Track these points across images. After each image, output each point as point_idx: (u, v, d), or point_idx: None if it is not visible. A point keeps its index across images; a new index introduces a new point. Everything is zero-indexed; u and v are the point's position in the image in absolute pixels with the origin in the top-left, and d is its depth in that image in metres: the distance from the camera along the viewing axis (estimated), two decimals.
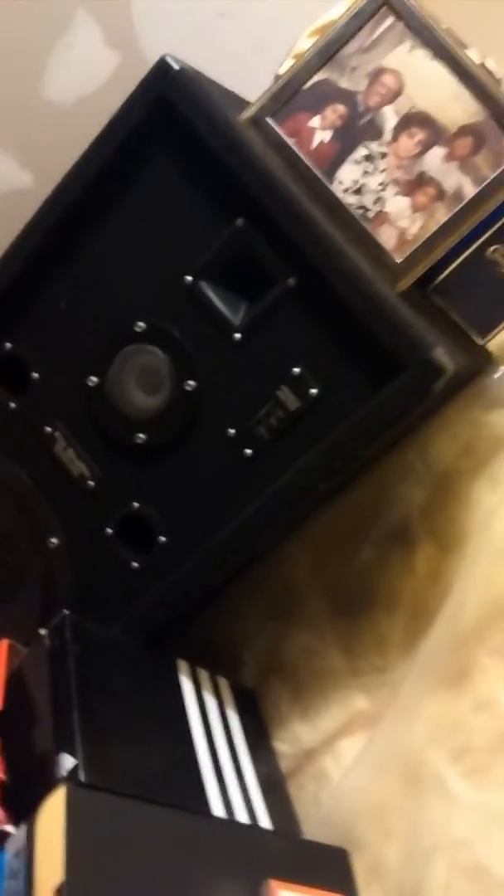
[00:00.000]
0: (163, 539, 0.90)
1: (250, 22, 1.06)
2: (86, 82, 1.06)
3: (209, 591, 0.94)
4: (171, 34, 1.06)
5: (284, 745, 0.98)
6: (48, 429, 0.93)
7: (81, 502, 0.93)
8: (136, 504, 0.91)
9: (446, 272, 0.93)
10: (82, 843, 0.67)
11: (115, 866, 0.68)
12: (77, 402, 0.91)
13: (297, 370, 0.83)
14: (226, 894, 0.71)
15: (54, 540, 0.94)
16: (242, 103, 0.88)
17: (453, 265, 0.93)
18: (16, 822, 0.71)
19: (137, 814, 0.73)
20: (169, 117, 0.83)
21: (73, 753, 0.74)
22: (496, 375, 1.01)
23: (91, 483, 0.92)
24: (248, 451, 0.86)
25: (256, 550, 0.93)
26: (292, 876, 0.71)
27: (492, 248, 0.92)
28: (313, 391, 0.83)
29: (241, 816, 0.83)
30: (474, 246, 0.92)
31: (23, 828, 0.69)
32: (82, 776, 0.73)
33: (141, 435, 0.89)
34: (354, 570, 1.01)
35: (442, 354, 0.77)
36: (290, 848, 0.82)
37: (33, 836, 0.68)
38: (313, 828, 0.89)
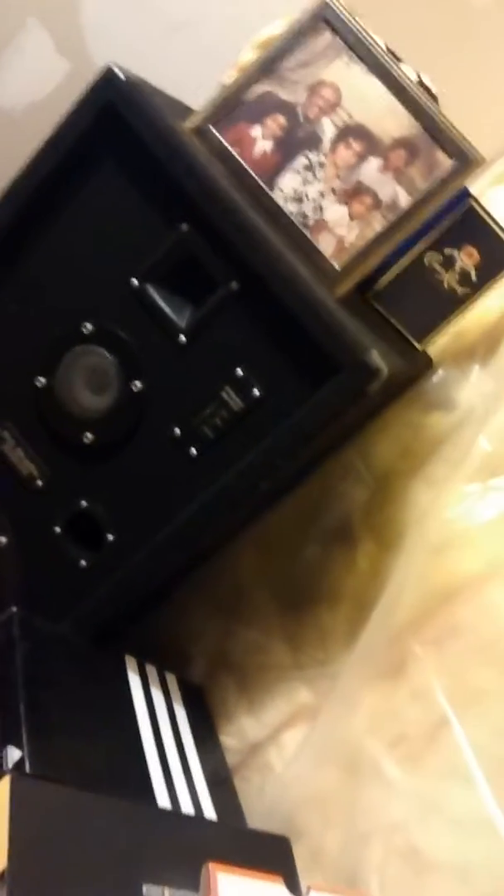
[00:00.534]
0: (111, 537, 0.92)
1: (198, 33, 1.08)
2: (35, 89, 1.07)
3: (157, 589, 0.95)
4: (121, 43, 1.08)
5: (231, 739, 1.00)
6: None
7: (30, 501, 0.94)
8: (84, 502, 0.92)
9: (385, 279, 0.96)
10: (26, 832, 0.67)
11: (60, 855, 0.69)
12: (26, 403, 0.92)
13: (240, 372, 0.85)
14: (169, 880, 0.72)
15: (3, 539, 0.95)
16: (188, 112, 0.90)
17: (392, 272, 0.96)
18: None
19: (82, 804, 0.74)
20: (114, 125, 0.84)
21: (19, 746, 0.75)
22: (434, 379, 1.04)
23: (39, 482, 0.93)
24: (193, 450, 0.88)
25: (202, 547, 0.94)
26: (234, 862, 0.73)
27: (430, 255, 0.96)
28: (256, 392, 0.85)
29: (187, 808, 0.85)
30: (412, 253, 0.95)
31: None
32: (28, 767, 0.74)
33: (89, 434, 0.91)
34: (299, 567, 1.03)
35: (377, 357, 0.80)
36: (232, 836, 0.84)
37: None
38: (258, 818, 0.91)
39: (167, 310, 0.87)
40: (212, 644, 1.07)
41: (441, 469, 0.96)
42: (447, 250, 0.95)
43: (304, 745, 0.92)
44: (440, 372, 1.04)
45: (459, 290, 0.97)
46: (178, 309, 0.87)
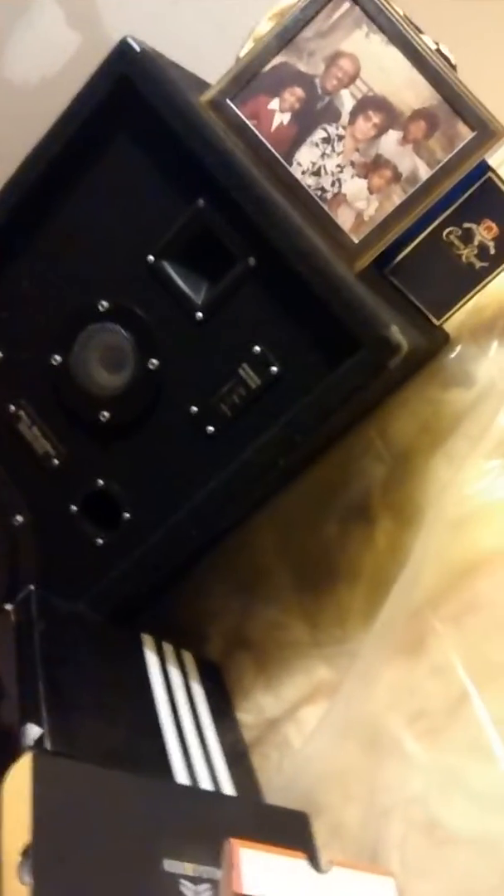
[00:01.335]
0: (127, 515, 0.91)
1: (212, 4, 1.07)
2: (47, 63, 1.06)
3: (174, 567, 0.94)
4: (134, 15, 1.06)
5: (248, 716, 1.00)
6: (12, 407, 0.94)
7: (46, 480, 0.93)
8: (100, 481, 0.92)
9: (403, 254, 0.95)
10: (49, 808, 0.68)
11: (81, 830, 0.69)
12: (41, 381, 0.92)
13: (257, 348, 0.84)
14: (190, 856, 0.72)
15: (19, 518, 0.95)
16: (203, 86, 0.89)
17: (410, 247, 0.94)
18: None
19: (103, 781, 0.74)
20: (130, 98, 0.83)
21: (39, 723, 0.75)
22: (453, 355, 1.03)
23: (56, 461, 0.93)
24: (211, 428, 0.87)
25: (220, 525, 0.93)
26: (254, 837, 0.73)
27: (448, 230, 0.94)
28: (273, 369, 0.84)
29: (205, 784, 0.85)
30: (430, 228, 0.94)
31: None
32: (48, 744, 0.74)
33: (105, 413, 0.90)
34: (317, 544, 1.03)
35: (397, 332, 0.79)
36: (251, 812, 0.84)
37: (1, 802, 0.69)
38: (276, 795, 0.91)
39: (183, 286, 0.86)
40: (229, 622, 1.06)
41: (460, 445, 0.96)
42: (465, 224, 0.94)
43: (324, 722, 0.92)
44: (458, 347, 1.03)
45: (478, 264, 0.95)
46: (195, 285, 0.86)
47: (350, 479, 1.03)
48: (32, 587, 0.90)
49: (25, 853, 0.64)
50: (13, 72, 1.08)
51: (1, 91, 1.09)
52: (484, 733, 0.81)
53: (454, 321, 1.02)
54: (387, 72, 0.81)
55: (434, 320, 0.99)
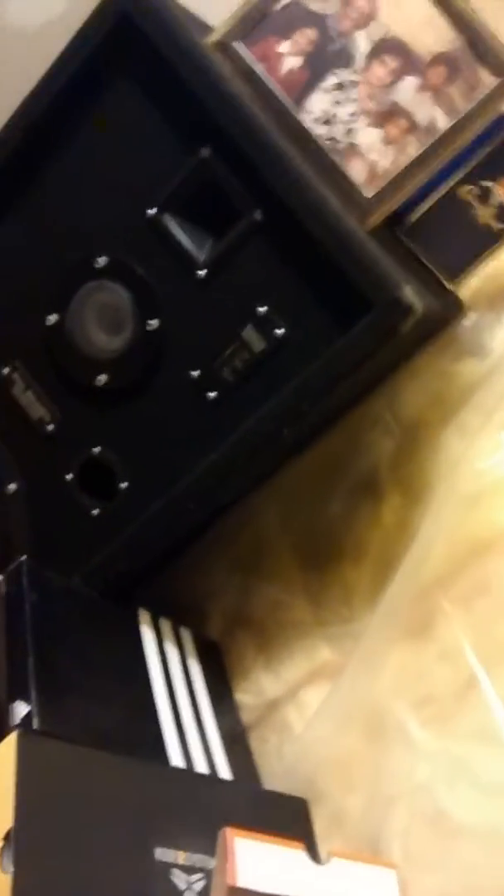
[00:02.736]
0: (124, 485, 0.88)
1: None
2: (48, 5, 1.01)
3: (173, 541, 0.91)
4: None
5: (248, 697, 0.98)
6: (6, 370, 0.91)
7: (40, 447, 0.90)
8: (97, 449, 0.89)
9: (417, 213, 0.91)
10: (34, 791, 0.66)
11: (68, 816, 0.67)
12: (35, 343, 0.88)
13: (262, 309, 0.80)
14: (183, 844, 0.70)
15: (12, 486, 0.92)
16: (207, 29, 0.85)
17: (424, 206, 0.90)
18: None
19: (92, 763, 0.72)
20: (131, 39, 0.79)
21: (27, 701, 0.73)
22: (466, 324, 0.99)
23: (50, 427, 0.90)
24: (212, 394, 0.84)
25: (222, 498, 0.90)
26: (251, 824, 0.70)
27: (465, 189, 0.90)
28: (279, 331, 0.80)
29: (201, 768, 0.82)
30: (447, 185, 0.89)
31: None
32: (36, 723, 0.71)
33: (102, 377, 0.86)
34: (322, 521, 1.00)
35: (411, 293, 0.75)
36: (248, 798, 0.82)
37: None
38: (276, 780, 0.89)
39: (186, 242, 0.82)
40: (230, 601, 1.04)
41: (474, 418, 0.92)
42: (484, 182, 0.89)
43: (326, 705, 0.89)
44: (473, 316, 0.99)
45: (496, 226, 0.91)
46: (198, 241, 0.83)
47: (357, 454, 1.01)
48: (24, 558, 0.87)
49: (7, 838, 0.61)
50: (14, 16, 1.04)
51: (1, 37, 1.04)
52: (493, 720, 0.78)
53: (469, 287, 0.99)
54: (405, 12, 0.76)
55: (448, 284, 0.95)
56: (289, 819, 0.78)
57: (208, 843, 0.69)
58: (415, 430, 0.98)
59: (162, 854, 0.68)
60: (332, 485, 1.00)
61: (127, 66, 0.81)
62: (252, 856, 0.65)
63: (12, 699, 0.73)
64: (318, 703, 0.92)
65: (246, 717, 0.96)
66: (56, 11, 0.99)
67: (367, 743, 0.85)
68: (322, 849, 0.75)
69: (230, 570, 1.04)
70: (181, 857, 0.68)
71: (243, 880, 0.63)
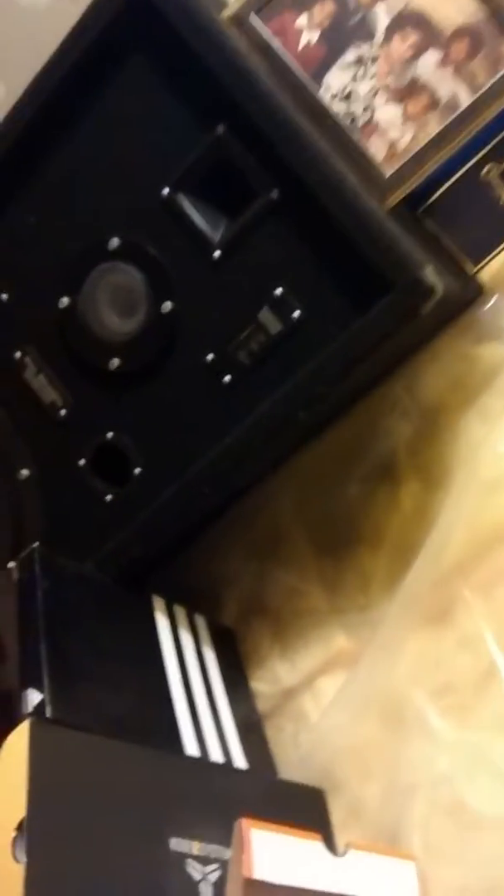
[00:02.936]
0: (138, 470, 0.87)
1: None
2: None
3: (188, 527, 0.90)
4: None
5: (263, 685, 0.97)
6: (18, 353, 0.89)
7: (53, 432, 0.89)
8: (110, 434, 0.87)
9: (438, 193, 0.88)
10: (47, 781, 0.65)
11: (82, 804, 0.66)
12: (48, 326, 0.87)
13: (279, 290, 0.79)
14: (198, 834, 0.69)
15: (25, 471, 0.91)
16: (221, 4, 0.82)
17: (445, 186, 0.88)
18: None
19: (106, 752, 0.71)
20: (145, 14, 0.77)
21: (39, 689, 0.72)
22: (487, 306, 0.97)
23: (63, 411, 0.89)
24: (228, 378, 0.82)
25: (237, 483, 0.89)
26: (267, 815, 0.69)
27: (486, 168, 0.87)
28: (296, 313, 0.79)
29: (216, 757, 0.81)
30: (468, 165, 0.87)
31: None
32: (49, 712, 0.70)
33: (115, 360, 0.85)
34: (339, 507, 0.99)
35: (432, 273, 0.73)
36: (264, 787, 0.81)
37: None
38: (292, 769, 0.88)
39: (200, 222, 0.81)
40: (245, 587, 1.03)
41: (494, 402, 0.91)
42: None
43: (343, 693, 0.88)
44: (494, 298, 0.97)
45: None
46: (213, 221, 0.81)
47: (374, 438, 0.99)
48: (36, 544, 0.86)
49: (20, 829, 0.60)
50: None
51: (10, 16, 1.02)
52: None
53: (489, 270, 0.96)
54: None
55: (469, 267, 0.92)
56: (305, 809, 0.77)
57: (223, 833, 0.68)
58: (434, 414, 0.96)
59: (177, 844, 0.67)
60: (349, 469, 0.99)
61: (140, 42, 0.79)
62: (268, 847, 0.64)
63: (24, 686, 0.72)
64: (334, 691, 0.91)
65: (261, 705, 0.95)
66: None
67: (384, 732, 0.84)
68: (339, 839, 0.74)
69: (245, 557, 1.03)
70: (196, 847, 0.68)
71: (259, 872, 0.62)
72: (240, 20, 0.78)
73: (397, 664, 0.84)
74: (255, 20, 0.78)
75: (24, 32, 1.01)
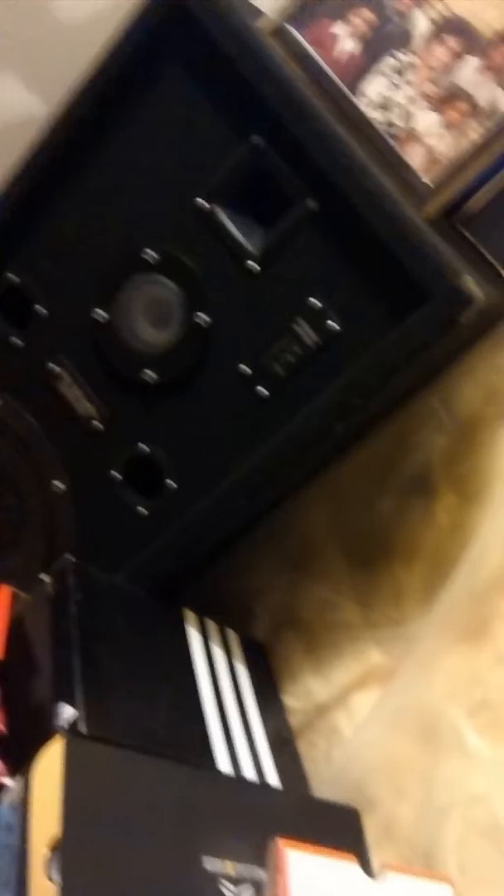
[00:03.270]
0: (172, 483, 0.87)
1: None
2: None
3: (220, 540, 0.90)
4: None
5: (295, 700, 0.96)
6: (53, 365, 0.89)
7: (87, 444, 0.89)
8: (144, 446, 0.87)
9: (475, 201, 0.87)
10: (81, 797, 0.64)
11: (116, 822, 0.65)
12: (83, 337, 0.87)
13: (315, 302, 0.78)
14: (231, 853, 0.67)
15: (58, 483, 0.91)
16: (258, 13, 0.82)
17: (483, 193, 0.86)
18: (14, 775, 0.68)
19: (139, 767, 0.70)
20: (184, 23, 0.77)
21: (72, 703, 0.71)
22: None
23: (97, 423, 0.88)
24: (263, 390, 0.81)
25: (271, 496, 0.88)
26: (301, 835, 0.68)
27: None
28: (333, 324, 0.78)
29: (249, 773, 0.80)
30: None
31: (19, 780, 0.66)
32: (82, 727, 0.70)
33: (150, 372, 0.85)
34: (373, 520, 0.98)
35: (471, 283, 0.72)
36: (298, 806, 0.79)
37: (29, 788, 0.65)
38: (324, 786, 0.87)
39: (236, 233, 0.80)
40: (277, 600, 1.02)
41: None
42: None
43: (377, 710, 0.87)
44: None
45: None
46: (249, 232, 0.80)
47: (409, 451, 0.98)
48: (69, 557, 0.86)
49: (54, 847, 0.59)
50: (61, 9, 1.02)
51: (49, 31, 1.03)
52: None
53: None
54: None
55: None
56: (340, 829, 0.76)
57: (256, 852, 0.67)
58: (470, 427, 0.95)
59: (210, 863, 0.65)
60: (383, 482, 0.98)
61: (178, 52, 0.79)
62: (305, 868, 0.62)
63: (57, 700, 0.72)
64: (367, 707, 0.91)
65: (293, 720, 0.94)
66: (102, 3, 0.97)
67: (419, 749, 0.83)
68: (373, 859, 0.73)
69: (278, 570, 1.03)
70: (229, 866, 0.66)
71: (296, 894, 0.61)
72: (277, 29, 0.78)
73: (433, 680, 0.83)
74: (292, 29, 0.77)
75: (61, 46, 1.01)
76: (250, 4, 0.87)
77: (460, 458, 0.94)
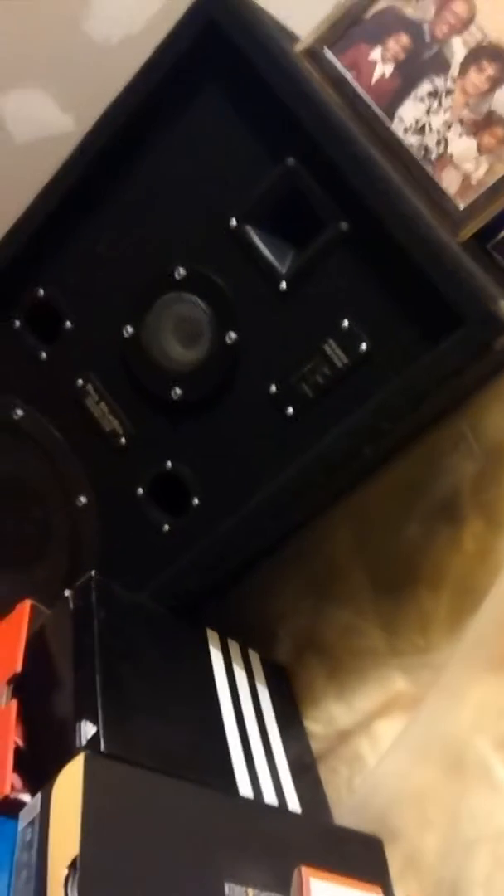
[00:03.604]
0: (197, 501, 0.86)
1: None
2: (131, 19, 1.00)
3: (244, 560, 0.89)
4: None
5: (317, 726, 0.95)
6: (80, 381, 0.89)
7: (112, 459, 0.89)
8: (169, 463, 0.87)
9: None
10: (100, 816, 0.63)
11: (135, 843, 0.64)
12: (111, 353, 0.87)
13: (345, 323, 0.78)
14: (253, 880, 0.66)
15: (83, 498, 0.90)
16: (293, 37, 0.83)
17: None
18: (32, 791, 0.68)
19: (159, 788, 0.69)
20: (219, 45, 0.78)
21: (94, 721, 0.71)
22: None
23: (123, 439, 0.88)
24: (291, 410, 0.81)
25: (296, 517, 0.88)
26: (324, 863, 0.67)
27: None
28: (363, 346, 0.77)
29: (269, 798, 0.79)
30: None
31: (38, 797, 0.66)
32: (103, 745, 0.69)
33: (177, 390, 0.85)
34: (399, 545, 0.97)
35: None
36: (321, 834, 0.78)
37: (48, 805, 0.64)
38: (346, 814, 0.86)
39: (267, 253, 0.80)
40: (300, 624, 1.01)
41: None
42: None
43: (402, 738, 0.86)
44: None
45: None
46: (280, 252, 0.80)
47: (437, 476, 0.97)
48: (93, 573, 0.85)
49: (73, 866, 0.59)
50: (96, 30, 1.03)
51: (83, 51, 1.04)
52: None
53: None
54: None
55: None
56: (363, 859, 0.75)
57: (277, 880, 0.66)
58: (499, 452, 0.94)
59: (230, 891, 0.64)
60: (410, 507, 0.97)
61: (214, 73, 0.79)
62: None
63: (79, 718, 0.71)
64: (391, 735, 0.89)
65: (315, 746, 0.93)
66: (136, 26, 0.98)
67: (445, 780, 0.81)
68: (397, 892, 0.71)
69: (302, 593, 1.02)
70: (251, 893, 0.65)
71: None
72: (313, 53, 0.78)
73: (460, 710, 0.81)
74: (328, 53, 0.78)
75: (96, 67, 1.02)
76: (284, 27, 0.87)
77: (489, 484, 0.93)
